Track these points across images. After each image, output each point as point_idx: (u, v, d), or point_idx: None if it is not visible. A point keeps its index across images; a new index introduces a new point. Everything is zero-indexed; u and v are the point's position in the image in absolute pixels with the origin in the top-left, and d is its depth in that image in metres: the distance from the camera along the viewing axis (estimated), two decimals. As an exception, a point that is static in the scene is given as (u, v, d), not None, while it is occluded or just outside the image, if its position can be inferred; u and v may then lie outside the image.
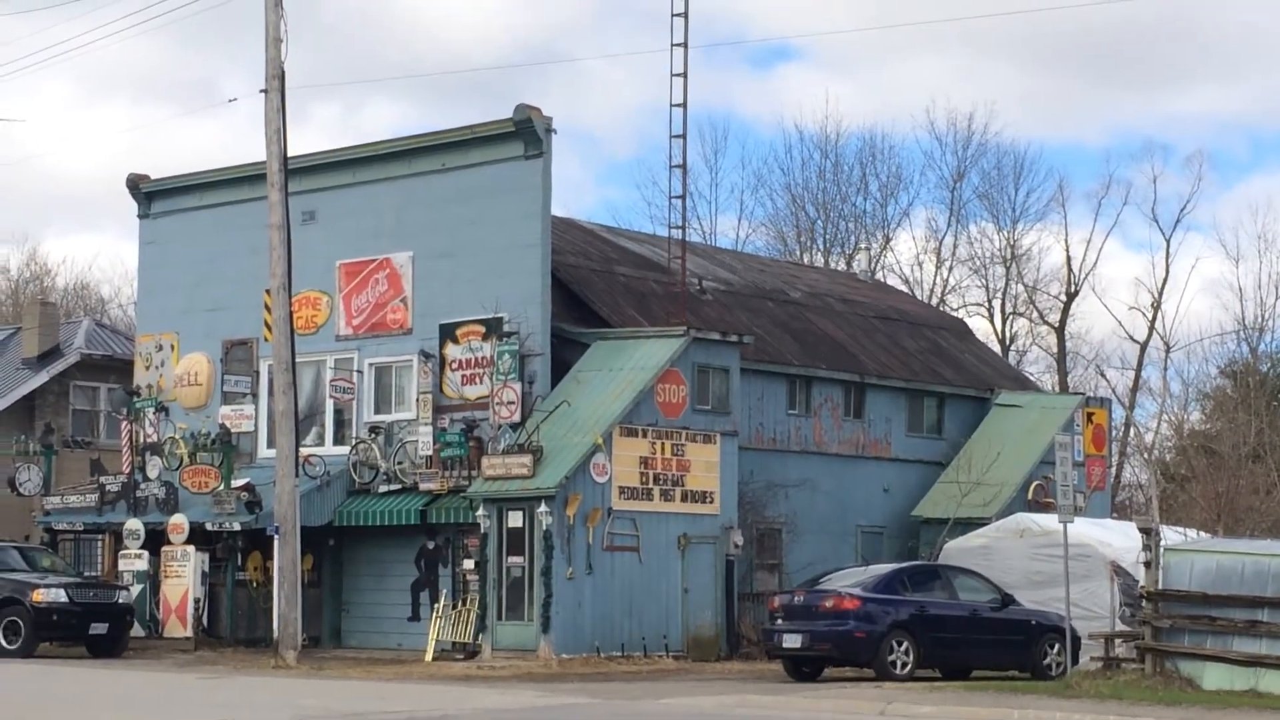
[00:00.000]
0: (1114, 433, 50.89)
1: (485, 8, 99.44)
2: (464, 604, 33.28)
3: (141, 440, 38.84)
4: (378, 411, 36.60)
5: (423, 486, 34.39)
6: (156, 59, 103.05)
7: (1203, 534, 34.57)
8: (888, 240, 66.90)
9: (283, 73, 31.74)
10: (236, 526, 35.09)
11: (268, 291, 33.64)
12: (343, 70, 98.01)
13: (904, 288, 61.50)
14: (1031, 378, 55.73)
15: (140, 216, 41.55)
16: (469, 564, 33.36)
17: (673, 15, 35.45)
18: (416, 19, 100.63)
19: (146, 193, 41.19)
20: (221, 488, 35.39)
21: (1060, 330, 65.01)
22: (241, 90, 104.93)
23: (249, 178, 37.57)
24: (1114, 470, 52.16)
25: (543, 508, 31.70)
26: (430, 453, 34.53)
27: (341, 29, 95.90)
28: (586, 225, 42.40)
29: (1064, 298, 65.18)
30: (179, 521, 35.59)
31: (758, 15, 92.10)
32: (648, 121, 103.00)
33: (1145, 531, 25.94)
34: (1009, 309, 65.77)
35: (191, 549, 35.49)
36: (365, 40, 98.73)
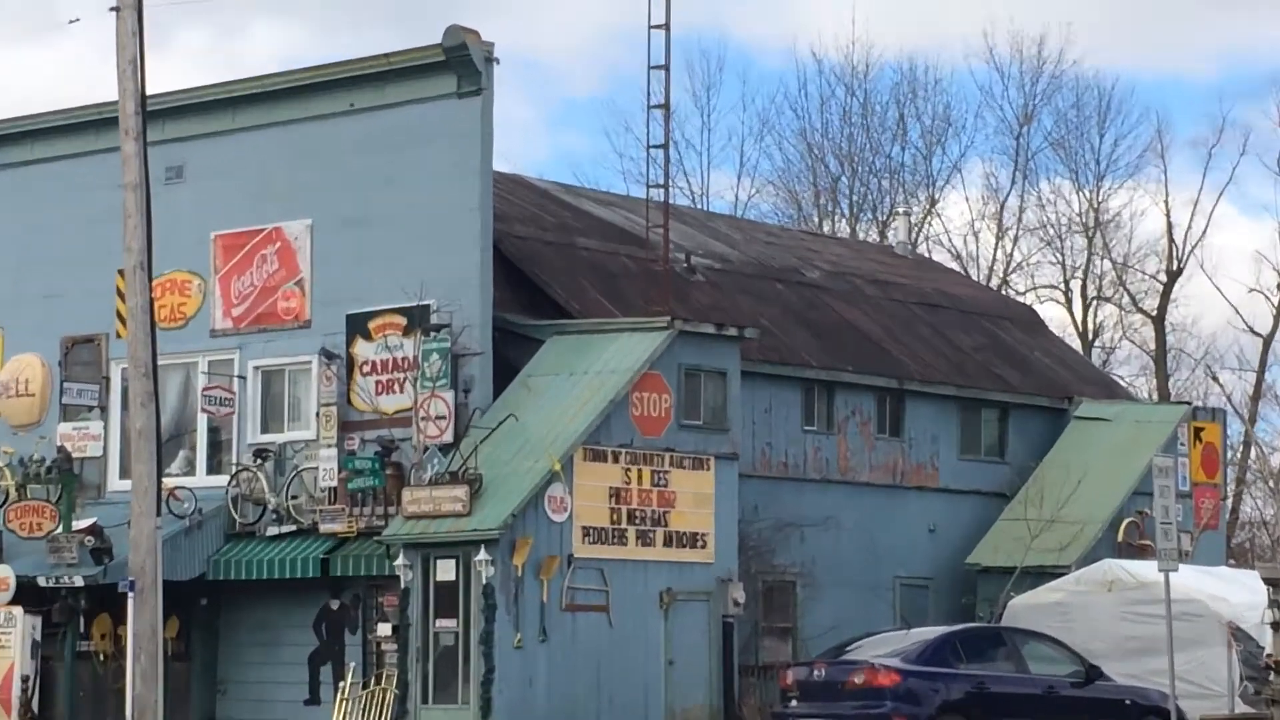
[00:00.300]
0: (1230, 454, 50.92)
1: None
2: (378, 682, 33.15)
3: (-47, 468, 38.68)
4: (266, 430, 36.47)
5: (324, 528, 34.25)
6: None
7: (1347, 586, 34.66)
8: (934, 203, 67.02)
9: (139, -15, 31.59)
10: (79, 582, 34.86)
11: (121, 273, 33.43)
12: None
13: (955, 266, 61.55)
14: (1121, 382, 55.71)
15: (-46, 173, 41.40)
16: (385, 629, 33.25)
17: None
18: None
19: (-41, 142, 41.04)
20: (59, 530, 35.20)
21: (1159, 320, 65.07)
22: (83, 9, 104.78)
23: (95, 122, 37.37)
24: (1230, 502, 52.20)
25: (482, 555, 31.53)
26: (334, 484, 34.39)
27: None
28: (539, 184, 42.33)
29: (1164, 278, 65.31)
30: (3, 575, 35.40)
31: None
32: (618, 49, 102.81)
33: (1272, 584, 25.96)
34: (1092, 293, 65.86)
35: (19, 611, 35.29)
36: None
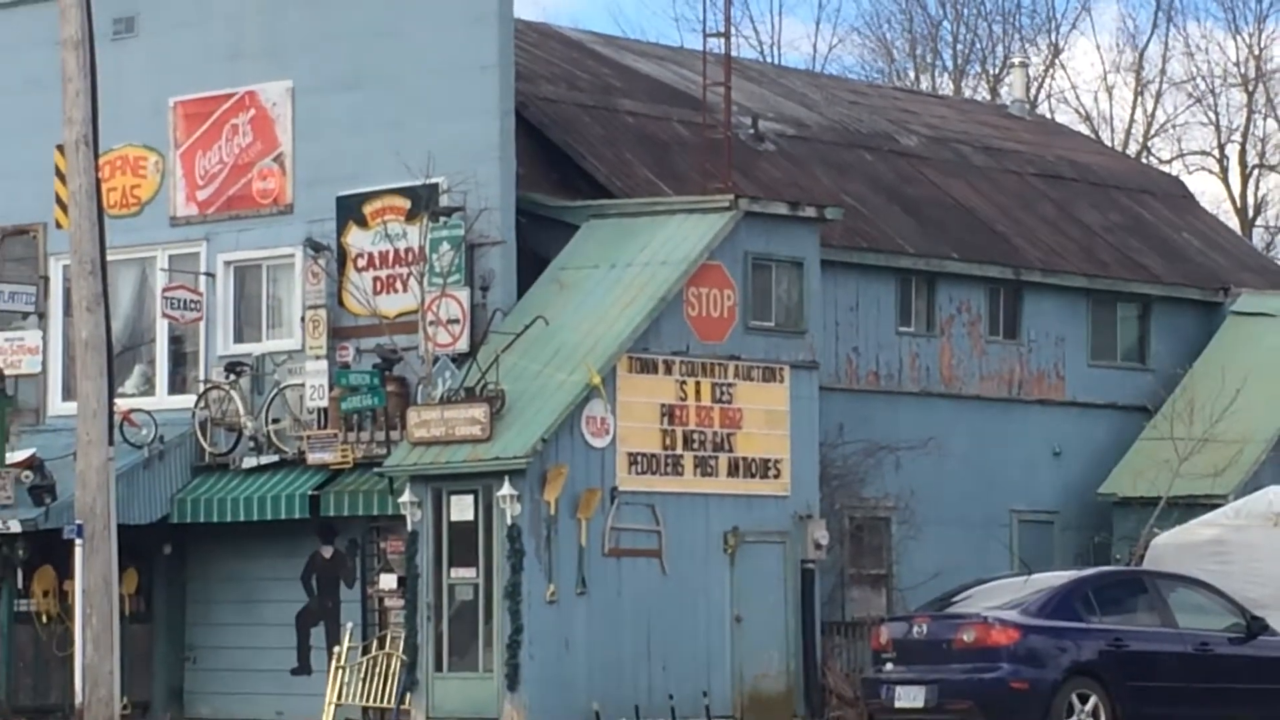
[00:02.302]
0: None
1: None
2: (381, 646, 33.20)
3: None
4: (240, 340, 36.57)
5: (313, 458, 34.31)
6: None
7: None
8: (1058, 52, 66.86)
9: None
10: (15, 527, 35.01)
11: (60, 149, 33.39)
12: None
13: (1084, 129, 61.29)
14: (1290, 270, 55.59)
15: None
16: (389, 581, 33.35)
17: None
18: None
19: None
20: (-8, 465, 35.40)
21: (1337, 193, 64.89)
22: None
23: (27, -35, 37.42)
24: None
25: (506, 489, 31.54)
26: (325, 404, 34.45)
27: None
28: (572, 35, 42.28)
29: (1340, 141, 65.04)
30: (-75, 520, 35.65)
31: None
32: None
33: None
34: (1253, 160, 65.61)
35: (-53, 563, 35.60)
36: None
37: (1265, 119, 64.90)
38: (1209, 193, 59.73)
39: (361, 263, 35.08)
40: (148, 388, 37.00)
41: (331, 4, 35.66)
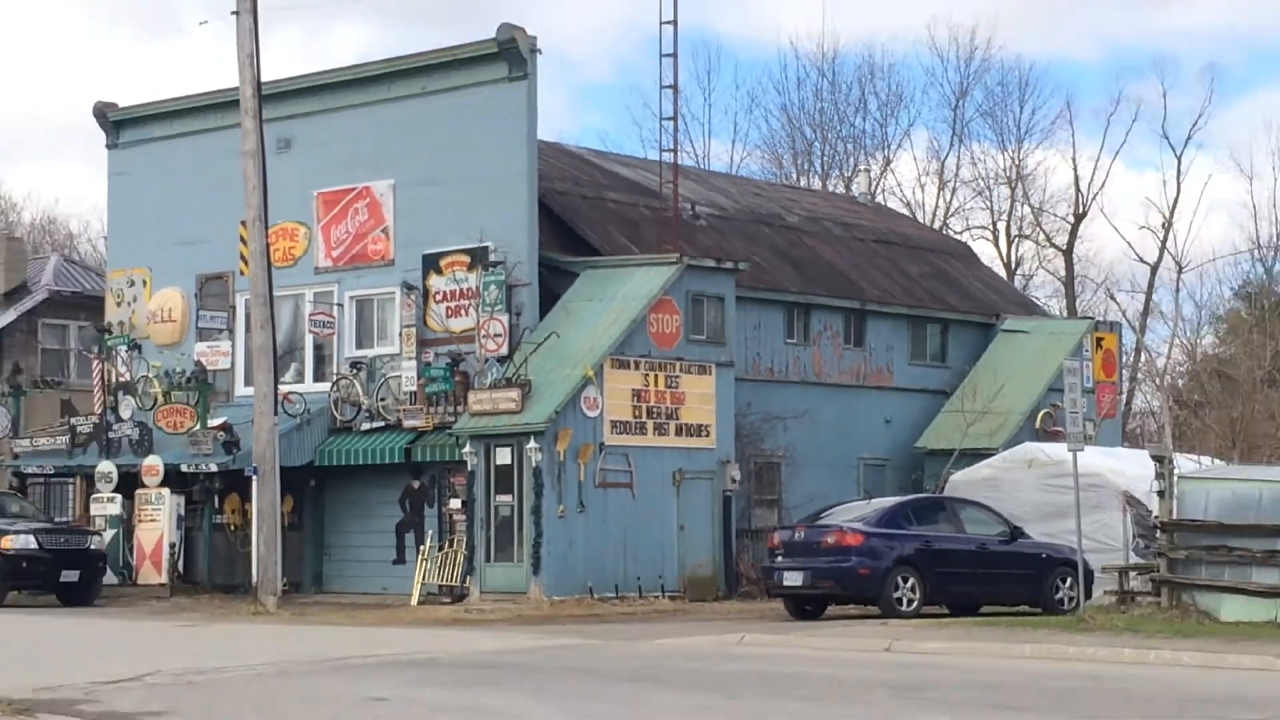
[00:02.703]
0: (1124, 358, 50.83)
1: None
2: (451, 545, 33.23)
3: (114, 380, 38.67)
4: (359, 346, 36.45)
5: (407, 424, 34.29)
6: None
7: (1218, 461, 34.60)
8: (888, 162, 66.78)
9: (254, -7, 31.43)
10: (213, 468, 35.00)
11: (243, 223, 33.35)
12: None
13: (905, 211, 61.28)
14: (1038, 303, 55.50)
15: (109, 147, 41.25)
16: (455, 503, 33.30)
17: (660, -73, 35.19)
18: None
19: (115, 121, 40.89)
20: (197, 428, 35.29)
21: (1068, 253, 64.90)
22: (207, 13, 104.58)
23: (221, 104, 37.22)
24: (1125, 397, 52.14)
25: (532, 444, 31.61)
26: (414, 388, 34.42)
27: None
28: (574, 150, 42.17)
29: (1071, 219, 65.09)
30: (153, 463, 35.51)
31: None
32: (629, 43, 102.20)
33: (1158, 460, 25.89)
34: (1014, 232, 65.75)
35: (166, 492, 35.45)
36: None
37: (1022, 206, 65.16)
38: (985, 253, 59.56)
39: (438, 297, 35.09)
40: (299, 378, 36.91)
41: (418, 130, 35.56)
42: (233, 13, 31.65)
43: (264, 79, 32.39)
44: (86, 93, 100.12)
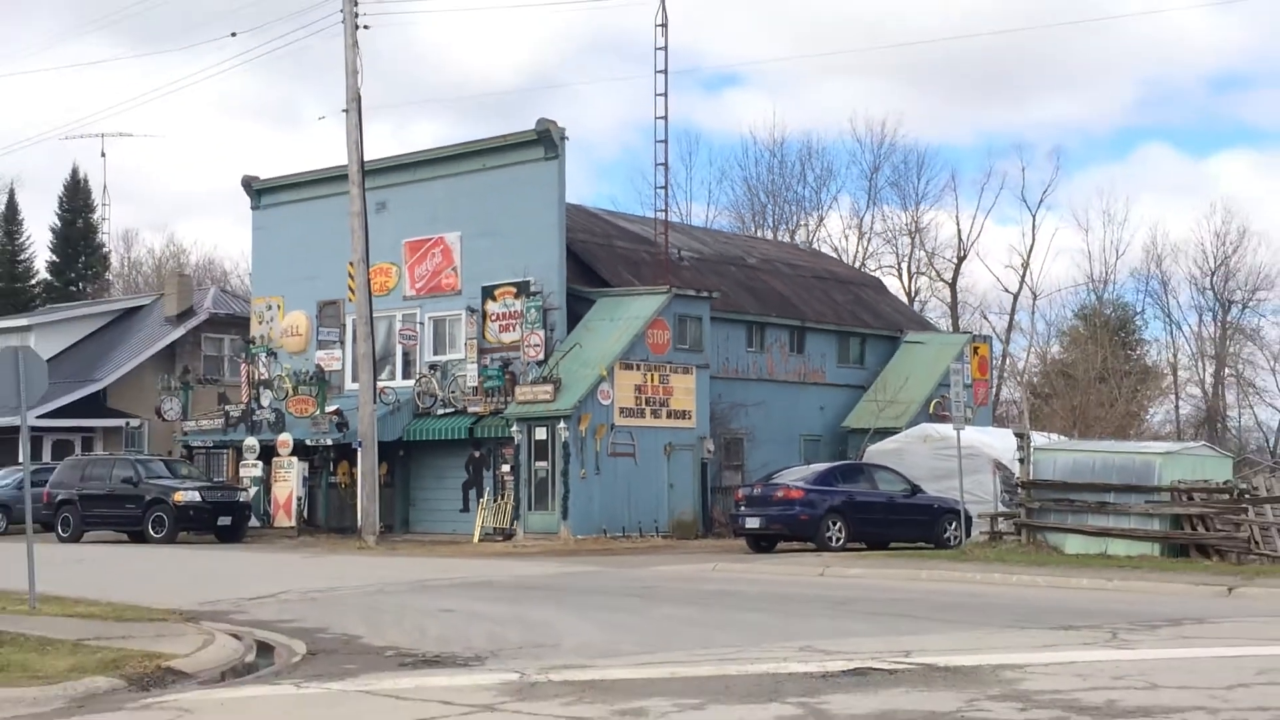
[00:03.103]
0: (994, 362, 50.79)
1: (499, 46, 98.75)
2: (502, 498, 33.20)
3: (256, 378, 38.73)
4: (435, 353, 36.42)
5: (470, 410, 34.27)
6: (255, 88, 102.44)
7: (1062, 437, 34.59)
8: (821, 219, 66.73)
9: (359, 97, 31.43)
10: (329, 442, 35.03)
11: (351, 264, 33.35)
12: (388, 93, 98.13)
13: (834, 254, 61.15)
14: (931, 322, 55.44)
15: (253, 208, 41.24)
16: (506, 468, 33.28)
17: (655, 49, 35.19)
18: (445, 54, 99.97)
19: (257, 190, 40.89)
20: (318, 413, 35.29)
21: (953, 285, 64.84)
22: (322, 110, 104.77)
23: (334, 177, 37.22)
24: (994, 390, 52.06)
25: (561, 424, 31.62)
26: (475, 384, 34.41)
27: (389, 61, 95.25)
28: (591, 210, 42.12)
29: (955, 260, 65.02)
30: (285, 439, 35.53)
31: (707, 51, 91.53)
32: (631, 133, 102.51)
33: (1019, 436, 25.92)
34: (913, 270, 65.61)
35: (295, 459, 35.46)
36: (406, 71, 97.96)
37: (919, 250, 65.07)
38: (893, 286, 59.49)
39: (493, 318, 35.05)
40: (392, 377, 36.84)
41: (478, 195, 35.50)
42: (343, 110, 31.66)
43: (365, 158, 32.40)
44: (237, 168, 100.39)
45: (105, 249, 69.89)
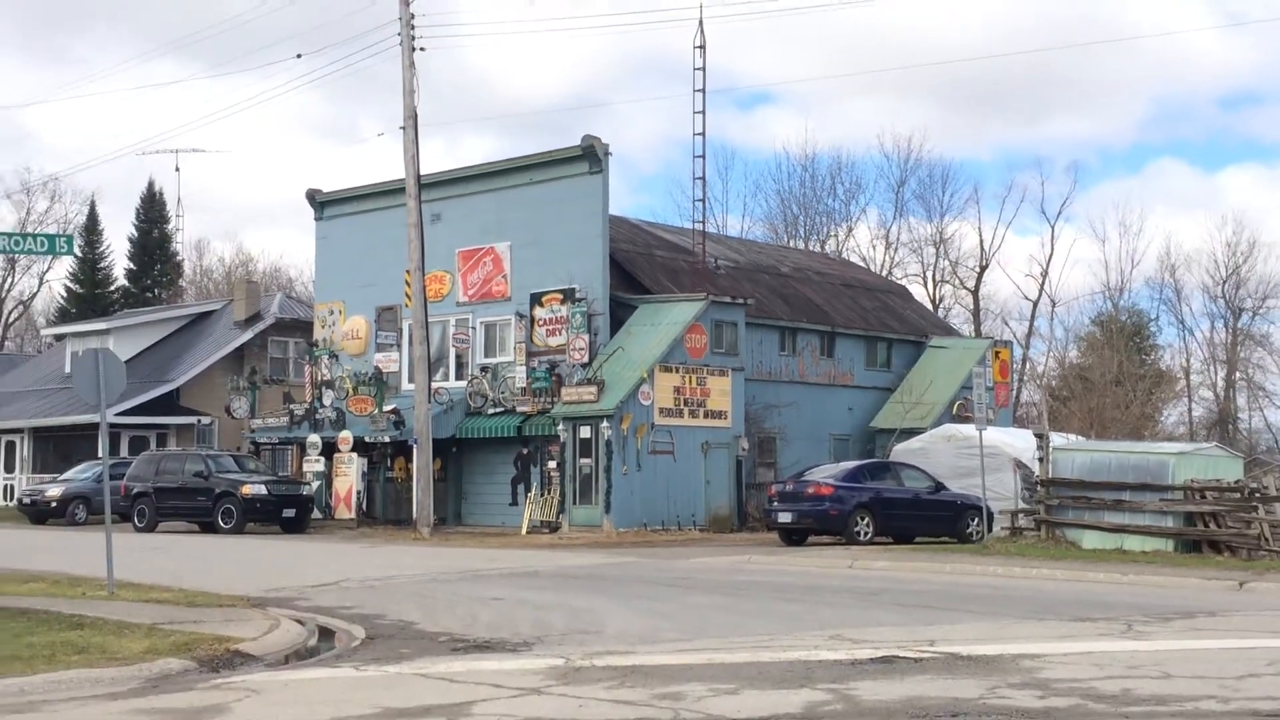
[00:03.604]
0: (1015, 366, 50.43)
1: (545, 67, 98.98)
2: (549, 493, 33.22)
3: (319, 378, 38.91)
4: (486, 356, 36.48)
5: (519, 409, 34.31)
6: (319, 105, 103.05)
7: (1080, 438, 34.31)
8: (850, 230, 66.48)
9: (416, 114, 31.58)
10: (387, 439, 35.16)
11: (408, 271, 33.50)
12: (441, 111, 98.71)
13: (862, 263, 60.91)
14: (955, 327, 55.18)
15: (316, 219, 41.45)
16: (552, 464, 33.29)
17: (694, 69, 35.19)
18: (494, 74, 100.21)
19: (320, 202, 41.11)
20: (376, 411, 35.45)
21: (975, 293, 64.44)
22: (380, 127, 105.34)
23: (392, 190, 37.41)
24: (1015, 393, 51.68)
25: (605, 423, 31.62)
26: (524, 385, 34.45)
27: (442, 80, 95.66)
28: (633, 221, 42.13)
29: (978, 269, 64.62)
30: (346, 436, 35.70)
31: (741, 71, 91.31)
32: (670, 148, 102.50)
33: (1039, 436, 25.72)
34: (938, 278, 65.23)
35: (355, 455, 35.62)
36: (455, 91, 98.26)
37: (943, 260, 64.70)
38: (918, 293, 59.15)
39: (541, 323, 35.10)
40: (446, 378, 36.91)
41: (527, 207, 35.55)
42: (400, 127, 31.83)
43: (421, 172, 32.53)
44: (301, 181, 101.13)
45: (179, 257, 70.47)
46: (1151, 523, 23.00)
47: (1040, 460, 25.04)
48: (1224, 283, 61.35)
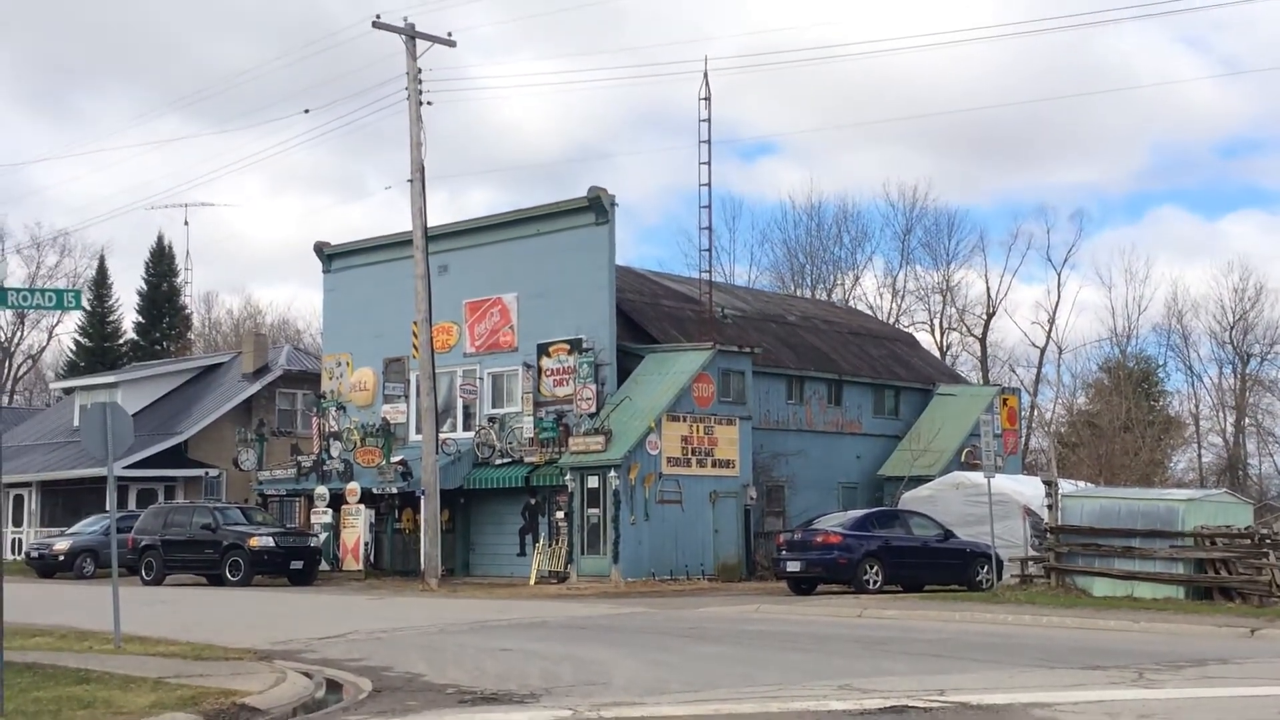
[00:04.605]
0: (1023, 413, 50.33)
1: (546, 120, 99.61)
2: (557, 543, 33.13)
3: (326, 430, 38.93)
4: (494, 406, 36.51)
5: (526, 459, 34.28)
6: (323, 161, 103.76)
7: (1089, 485, 34.19)
8: (857, 278, 66.63)
9: (423, 167, 31.76)
10: (394, 490, 35.11)
11: (415, 323, 33.61)
12: (444, 163, 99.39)
13: (869, 312, 61.00)
14: (962, 374, 55.14)
15: (324, 271, 41.65)
16: (560, 514, 33.22)
17: (699, 120, 35.40)
18: (496, 127, 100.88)
19: (328, 255, 41.32)
20: (384, 463, 35.43)
21: (982, 340, 64.46)
22: (387, 180, 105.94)
23: (399, 243, 37.59)
24: (1024, 440, 51.60)
25: (612, 473, 31.56)
26: (531, 435, 34.44)
27: (445, 133, 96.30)
28: (639, 271, 42.26)
29: (985, 316, 64.69)
30: (353, 487, 35.67)
31: (741, 123, 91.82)
32: (673, 199, 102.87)
33: (1048, 483, 25.68)
34: (945, 326, 65.29)
35: (362, 507, 35.58)
36: (460, 144, 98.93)
37: (950, 307, 64.82)
38: (925, 341, 59.21)
39: (548, 373, 35.15)
40: (453, 429, 36.94)
41: (533, 258, 35.71)
42: (407, 180, 32.00)
43: (428, 224, 32.69)
44: (309, 234, 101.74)
45: (187, 310, 70.70)
46: (1162, 570, 22.88)
47: (1049, 507, 24.96)
48: (1231, 328, 61.36)
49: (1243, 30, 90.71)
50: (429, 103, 31.62)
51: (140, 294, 68.00)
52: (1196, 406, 61.96)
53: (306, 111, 40.96)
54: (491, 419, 35.82)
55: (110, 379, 50.08)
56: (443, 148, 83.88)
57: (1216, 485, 49.80)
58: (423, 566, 31.56)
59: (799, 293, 62.83)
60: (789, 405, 37.70)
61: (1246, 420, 60.68)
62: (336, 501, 36.07)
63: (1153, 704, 11.00)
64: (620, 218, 34.35)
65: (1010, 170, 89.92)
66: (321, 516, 36.25)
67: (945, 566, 28.29)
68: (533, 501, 34.44)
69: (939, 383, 42.44)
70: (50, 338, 73.64)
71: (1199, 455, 61.03)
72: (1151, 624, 18.94)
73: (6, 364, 70.00)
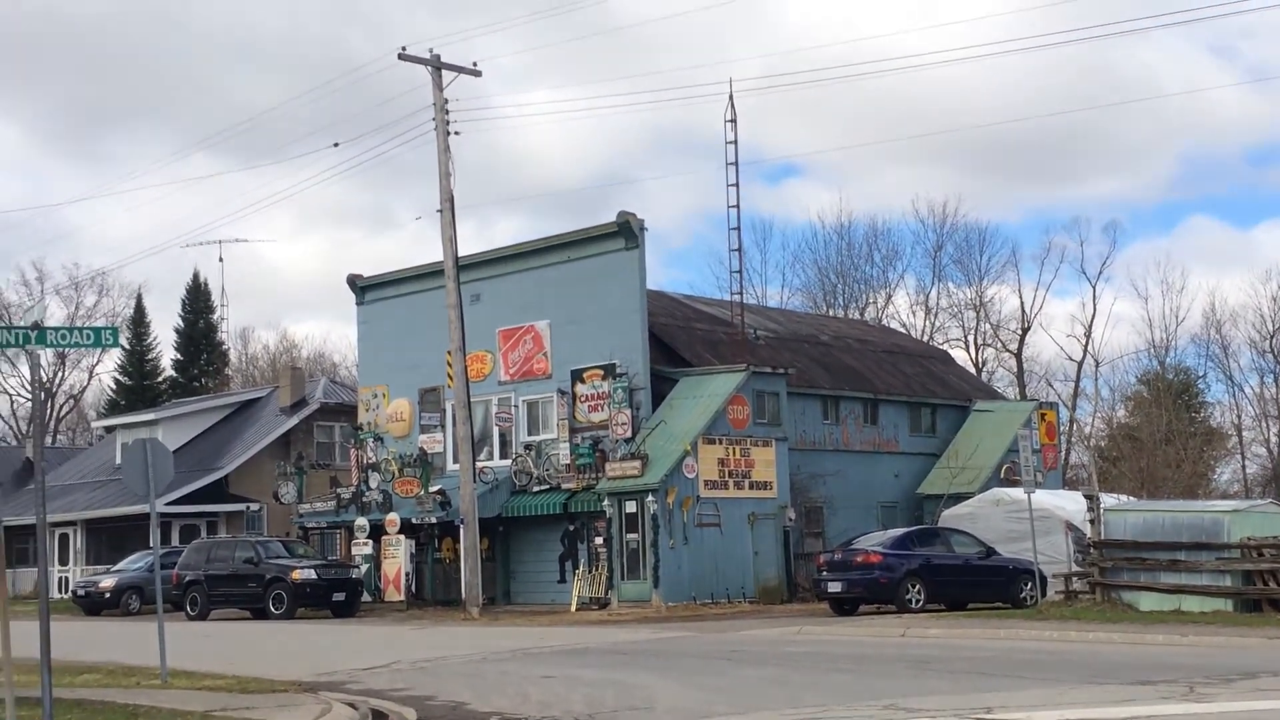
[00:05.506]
0: (1061, 427, 49.91)
1: (571, 147, 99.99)
2: (597, 569, 33.07)
3: (365, 461, 39.07)
4: (530, 433, 36.55)
5: (564, 486, 34.29)
6: (351, 194, 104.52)
7: (1131, 498, 33.87)
8: (889, 297, 66.35)
9: (452, 197, 31.94)
10: (433, 520, 35.17)
11: (449, 352, 33.72)
12: (471, 192, 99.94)
13: (902, 330, 60.75)
14: (999, 390, 54.79)
15: (358, 304, 41.89)
16: (599, 540, 33.17)
17: (726, 142, 35.47)
18: (521, 156, 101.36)
19: (361, 287, 41.56)
20: (422, 493, 35.51)
21: (1018, 355, 64.04)
22: (416, 212, 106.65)
23: (431, 273, 37.75)
24: (1063, 454, 51.17)
25: (650, 498, 31.52)
26: (568, 461, 34.45)
27: (472, 162, 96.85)
28: (671, 294, 42.27)
29: (1019, 331, 64.27)
30: (393, 518, 35.76)
31: (766, 145, 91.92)
32: (702, 222, 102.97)
33: (1089, 498, 25.43)
34: (979, 342, 64.90)
35: (402, 537, 35.64)
36: (486, 173, 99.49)
37: (984, 323, 64.44)
38: (960, 357, 58.89)
39: (582, 399, 35.18)
40: (490, 457, 36.97)
41: (566, 284, 35.77)
42: (437, 210, 32.20)
43: (459, 254, 32.83)
44: (342, 266, 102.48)
45: (224, 346, 71.28)
46: (1210, 582, 22.61)
47: (1091, 522, 24.73)
48: (1271, 337, 60.70)
49: (1271, 37, 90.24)
50: (457, 133, 31.86)
51: (178, 331, 68.60)
52: (1239, 417, 61.31)
53: (336, 145, 41.18)
54: (528, 446, 35.84)
55: (150, 416, 50.49)
56: (469, 178, 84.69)
57: (1262, 496, 49.21)
58: (464, 595, 31.58)
59: (831, 312, 62.67)
60: (825, 425, 37.57)
61: (1289, 429, 59.96)
62: (377, 532, 36.16)
63: (1205, 718, 10.85)
64: (648, 242, 34.36)
65: (1040, 184, 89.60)
66: (362, 548, 36.34)
67: (988, 584, 28.06)
68: (571, 528, 34.40)
69: (975, 399, 42.21)
70: (91, 377, 74.41)
71: (1243, 466, 60.41)
72: (1200, 637, 18.71)
73: (49, 404, 70.65)
